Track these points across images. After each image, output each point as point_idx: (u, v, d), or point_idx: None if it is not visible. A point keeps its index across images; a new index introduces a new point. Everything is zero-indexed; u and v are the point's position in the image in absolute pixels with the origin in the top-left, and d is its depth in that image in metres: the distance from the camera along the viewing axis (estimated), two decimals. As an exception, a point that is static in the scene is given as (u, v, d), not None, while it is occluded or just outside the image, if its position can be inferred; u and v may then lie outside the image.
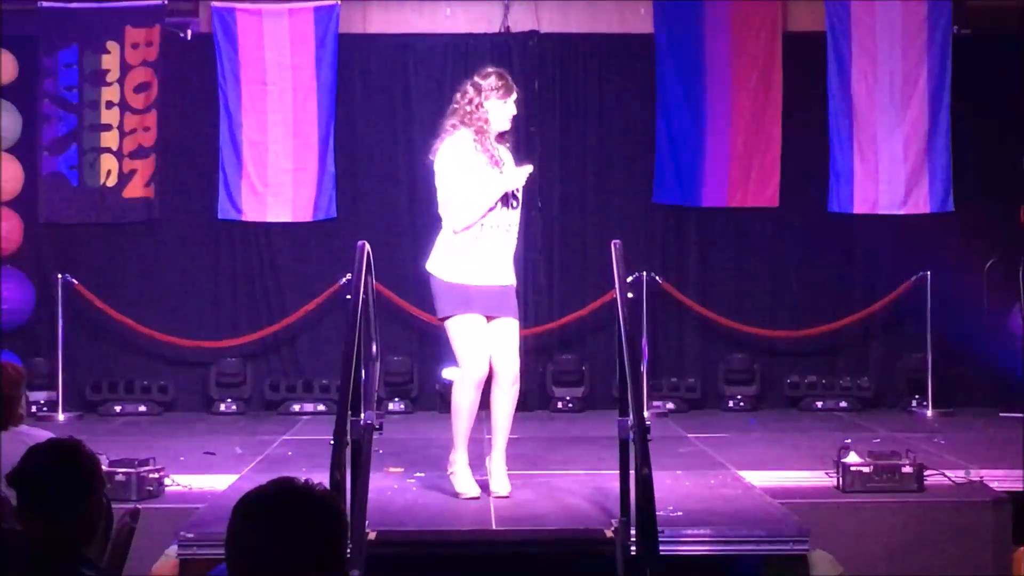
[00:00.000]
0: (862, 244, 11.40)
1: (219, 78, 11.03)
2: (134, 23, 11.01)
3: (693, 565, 6.05)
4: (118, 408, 10.89)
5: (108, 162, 11.04)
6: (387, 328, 10.08)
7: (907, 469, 7.09)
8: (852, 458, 7.18)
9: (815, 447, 8.52)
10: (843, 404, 10.99)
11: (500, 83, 6.84)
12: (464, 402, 6.86)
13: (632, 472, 5.65)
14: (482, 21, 11.35)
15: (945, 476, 7.32)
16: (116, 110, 11.03)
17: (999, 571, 6.72)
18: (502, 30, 11.32)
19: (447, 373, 7.05)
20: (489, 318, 6.85)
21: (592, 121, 11.43)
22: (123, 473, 6.89)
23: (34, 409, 10.40)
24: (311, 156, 11.08)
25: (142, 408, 10.91)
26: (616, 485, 6.13)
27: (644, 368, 10.34)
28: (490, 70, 6.98)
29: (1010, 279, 10.50)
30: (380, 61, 11.42)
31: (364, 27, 11.39)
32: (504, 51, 10.96)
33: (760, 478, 7.51)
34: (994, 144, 11.07)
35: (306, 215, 11.14)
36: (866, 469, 7.10)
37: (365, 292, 6.36)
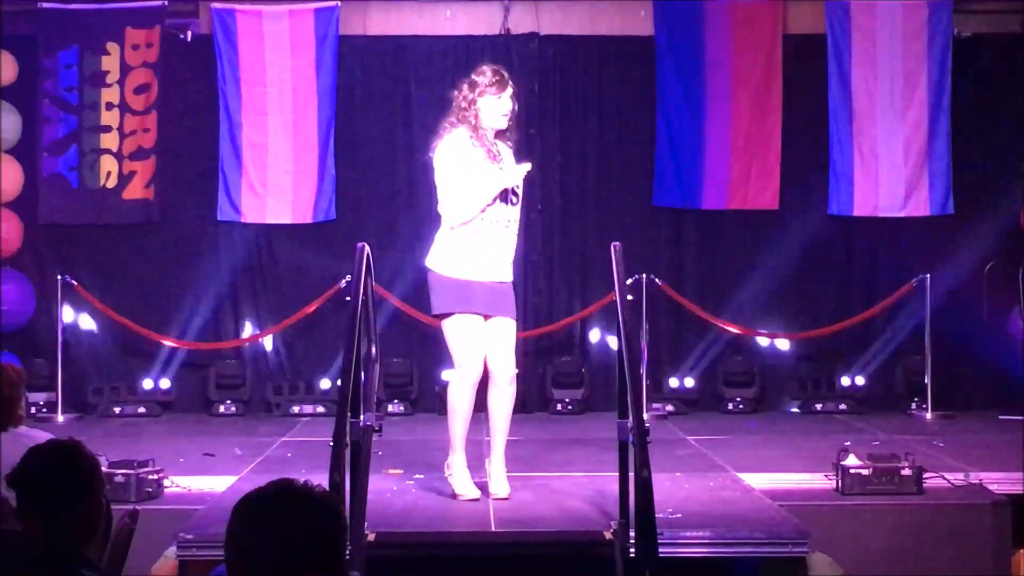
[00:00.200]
0: (862, 247, 11.40)
1: (219, 79, 11.03)
2: (134, 24, 11.02)
3: (692, 567, 6.05)
4: (117, 409, 10.89)
5: (108, 163, 11.04)
6: (387, 330, 10.09)
7: (906, 472, 7.09)
8: (851, 460, 7.18)
9: (814, 449, 8.51)
10: (842, 406, 10.99)
11: (494, 79, 6.86)
12: (459, 402, 6.86)
13: (631, 474, 5.65)
14: (482, 23, 11.35)
15: (944, 479, 7.32)
16: (116, 111, 11.04)
17: (998, 574, 6.72)
18: (502, 32, 11.32)
19: (447, 375, 7.05)
20: (486, 317, 6.85)
21: (592, 123, 11.43)
22: (122, 474, 6.88)
23: (33, 410, 10.40)
24: (311, 158, 11.08)
25: (141, 409, 10.91)
26: (615, 487, 6.13)
27: (643, 370, 10.34)
28: (486, 67, 7.01)
29: (1010, 282, 10.50)
30: (380, 63, 11.42)
31: (364, 29, 11.40)
32: (504, 53, 10.96)
33: (759, 480, 7.51)
34: (994, 147, 11.08)
35: (306, 217, 11.15)
36: (865, 472, 7.10)
37: (365, 294, 6.36)
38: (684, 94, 11.16)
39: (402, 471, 7.77)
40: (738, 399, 11.13)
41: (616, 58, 11.44)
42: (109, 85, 11.04)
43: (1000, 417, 10.36)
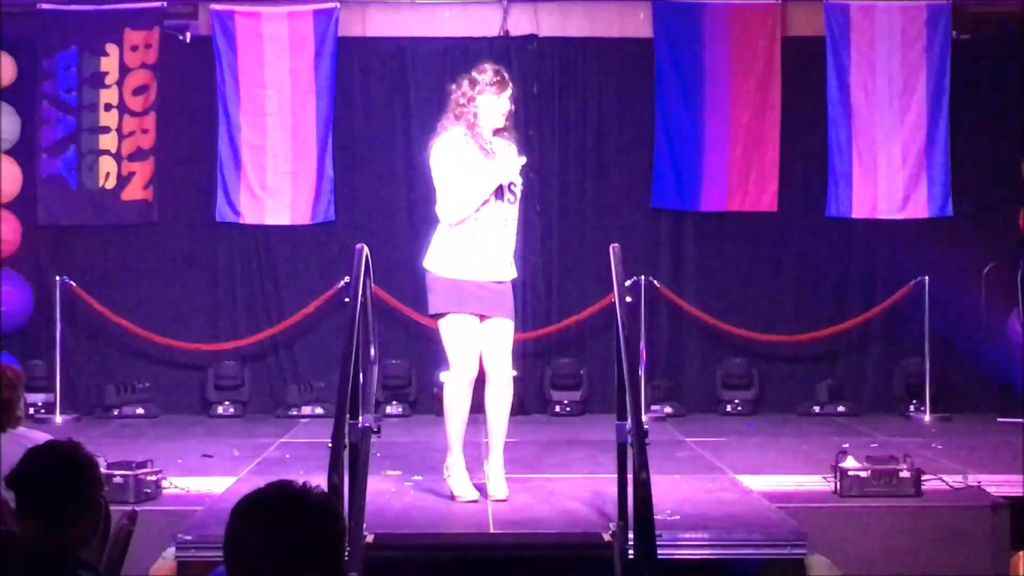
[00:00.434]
0: (860, 249, 11.40)
1: (218, 81, 11.03)
2: (133, 26, 11.02)
3: (691, 569, 6.04)
4: (116, 410, 10.88)
5: (107, 164, 11.04)
6: (385, 331, 10.08)
7: (905, 474, 7.08)
8: (850, 463, 7.18)
9: (813, 451, 8.52)
10: (841, 409, 10.99)
11: (496, 78, 6.86)
12: (455, 403, 6.86)
13: (630, 476, 5.65)
14: (481, 25, 11.35)
15: (943, 481, 7.32)
16: (115, 112, 11.03)
17: (996, 576, 6.73)
18: (501, 34, 11.32)
19: (443, 376, 7.04)
20: (482, 318, 6.85)
21: (591, 125, 11.44)
22: (121, 475, 6.88)
23: (32, 411, 10.39)
24: (309, 159, 11.08)
25: (140, 410, 10.90)
26: (614, 489, 6.13)
27: (642, 372, 10.35)
28: (487, 65, 7.01)
29: (1008, 284, 10.51)
30: (379, 64, 11.42)
31: (363, 30, 11.40)
32: (503, 55, 10.95)
33: (758, 482, 7.51)
34: (993, 149, 11.09)
35: (304, 218, 11.15)
36: (864, 474, 7.10)
37: (363, 295, 6.36)
38: (683, 96, 11.17)
39: (400, 472, 7.77)
40: (736, 401, 11.14)
41: (615, 60, 11.45)
42: (108, 86, 11.04)
43: (999, 419, 10.37)
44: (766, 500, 6.97)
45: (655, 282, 10.99)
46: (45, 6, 10.92)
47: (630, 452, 5.65)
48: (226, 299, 11.39)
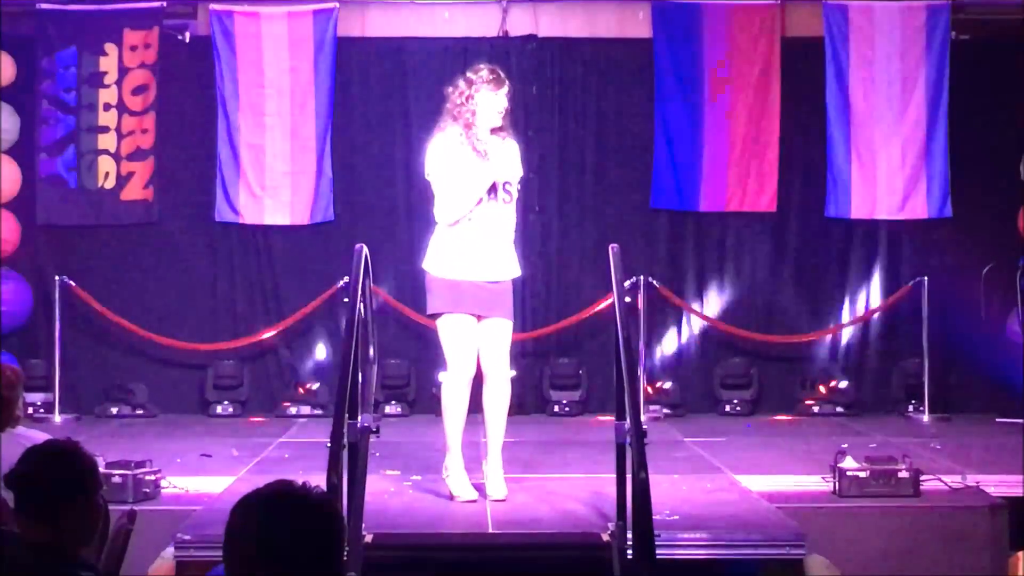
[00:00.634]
0: (860, 249, 11.40)
1: (217, 81, 11.03)
2: (132, 25, 11.02)
3: (690, 569, 6.05)
4: (115, 410, 10.88)
5: (106, 164, 11.04)
6: (384, 331, 10.09)
7: (904, 474, 7.09)
8: (849, 463, 7.18)
9: (812, 452, 8.53)
10: (840, 409, 10.99)
11: (492, 76, 6.87)
12: (452, 403, 6.87)
13: (629, 476, 5.65)
14: (480, 25, 11.35)
15: (942, 481, 7.32)
16: (114, 112, 11.03)
17: (995, 576, 6.73)
18: (500, 34, 11.32)
19: (441, 376, 7.05)
20: (479, 318, 6.86)
21: (590, 125, 11.44)
22: (120, 475, 6.88)
23: (31, 411, 10.39)
24: (309, 159, 11.08)
25: (139, 410, 10.91)
26: (613, 489, 6.13)
27: (641, 372, 10.35)
28: (482, 64, 7.04)
29: (1007, 284, 10.51)
30: (378, 64, 11.42)
31: (363, 30, 11.39)
32: (502, 55, 10.95)
33: (757, 482, 7.51)
34: (992, 150, 11.08)
35: (303, 218, 11.15)
36: (863, 474, 7.10)
37: (363, 295, 6.36)
38: (682, 96, 11.17)
39: (399, 472, 7.77)
40: (735, 401, 11.13)
41: (614, 60, 11.44)
42: (107, 86, 11.04)
43: (997, 420, 10.37)
44: (765, 500, 6.97)
45: (654, 282, 10.98)
46: (44, 6, 10.92)
47: (629, 452, 5.65)
48: (225, 299, 11.39)
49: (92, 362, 11.24)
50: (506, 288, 6.94)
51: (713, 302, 11.35)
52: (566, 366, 11.26)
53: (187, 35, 11.18)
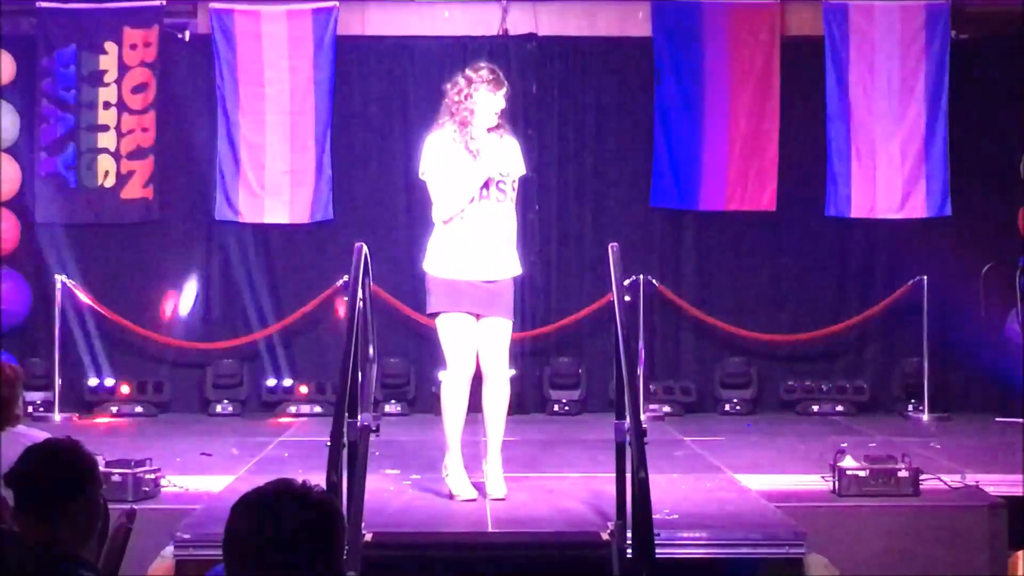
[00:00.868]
0: (859, 248, 11.41)
1: (217, 79, 11.03)
2: (132, 24, 11.02)
3: (689, 568, 6.05)
4: (114, 408, 10.88)
5: (105, 163, 11.04)
6: (384, 330, 10.08)
7: (903, 473, 7.09)
8: (848, 462, 7.18)
9: (811, 451, 8.52)
10: (839, 408, 10.99)
11: (491, 76, 6.88)
12: (451, 402, 6.87)
13: (628, 475, 5.65)
14: (480, 24, 11.35)
15: (941, 480, 7.32)
16: (113, 111, 11.03)
17: (995, 576, 6.73)
18: (500, 33, 11.32)
19: (440, 375, 7.06)
20: (478, 317, 6.86)
21: (590, 124, 11.44)
22: (119, 474, 6.88)
23: (31, 409, 10.39)
24: (308, 158, 11.08)
25: (138, 409, 10.91)
26: (612, 488, 6.13)
27: (641, 371, 10.35)
28: (482, 64, 7.04)
29: (1007, 283, 10.50)
30: (378, 63, 11.42)
31: (363, 29, 11.40)
32: (502, 54, 10.96)
33: (756, 482, 7.51)
34: (992, 148, 11.08)
35: (303, 217, 11.14)
36: (862, 473, 7.10)
37: (363, 294, 6.37)
38: (682, 95, 11.17)
39: (399, 471, 7.77)
40: (735, 400, 11.14)
41: (614, 59, 11.45)
42: (107, 84, 11.04)
43: (997, 419, 10.37)
44: (764, 499, 6.97)
45: (654, 281, 10.99)
46: (44, 4, 10.93)
47: (629, 451, 5.66)
48: (225, 297, 11.39)
49: (92, 360, 11.22)
50: (505, 287, 6.94)
51: (713, 301, 11.35)
52: (566, 365, 11.26)
53: (187, 34, 11.19)
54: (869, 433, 9.72)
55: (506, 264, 6.92)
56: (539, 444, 9.06)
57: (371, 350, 7.02)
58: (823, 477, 7.38)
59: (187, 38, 11.18)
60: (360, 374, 6.29)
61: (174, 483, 7.31)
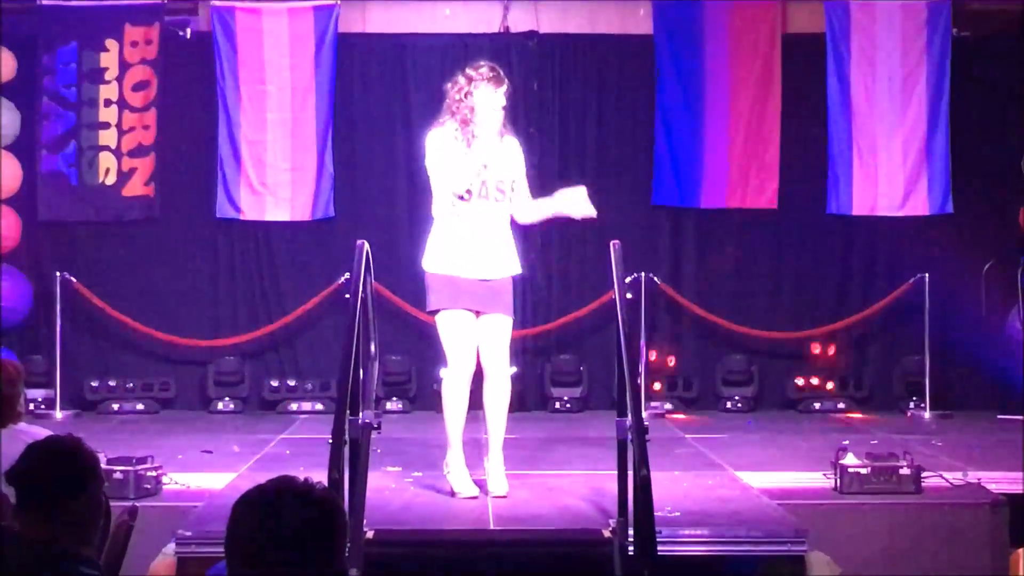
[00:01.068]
0: (861, 246, 11.41)
1: (218, 77, 11.03)
2: (133, 21, 11.02)
3: (691, 566, 6.04)
4: (116, 406, 10.89)
5: (107, 160, 11.04)
6: (385, 327, 10.07)
7: (905, 471, 7.09)
8: (850, 460, 7.18)
9: (813, 448, 8.52)
10: (841, 406, 11.00)
11: (491, 73, 6.88)
12: (452, 399, 6.88)
13: (630, 472, 5.65)
14: (481, 21, 11.35)
15: (943, 478, 7.32)
16: (114, 108, 11.04)
17: (996, 573, 6.72)
18: (501, 30, 11.32)
19: (441, 372, 7.06)
20: (478, 314, 6.86)
21: (591, 122, 11.44)
22: (121, 471, 6.88)
23: (32, 407, 10.39)
24: (309, 155, 11.08)
25: (140, 406, 10.91)
26: (614, 485, 6.13)
27: (642, 369, 10.35)
28: (482, 62, 7.05)
29: (1008, 281, 10.51)
30: (379, 61, 11.42)
31: (364, 27, 11.40)
32: (503, 51, 10.95)
33: (758, 479, 7.51)
34: (993, 146, 11.08)
35: (304, 214, 11.15)
36: (864, 471, 7.10)
37: (364, 291, 6.36)
38: (683, 93, 11.17)
39: (401, 469, 7.77)
40: (736, 398, 11.14)
41: (615, 57, 11.44)
42: (108, 82, 11.04)
43: (998, 417, 10.37)
44: (766, 497, 6.97)
45: (655, 279, 10.98)
46: (46, 2, 10.93)
47: (630, 449, 5.66)
48: (226, 295, 11.40)
49: (93, 358, 11.24)
50: (504, 285, 6.94)
51: (714, 299, 11.34)
52: (567, 363, 11.26)
53: (188, 31, 11.19)
54: (870, 431, 9.73)
55: (505, 263, 6.93)
56: (540, 441, 9.07)
57: (372, 347, 7.01)
58: (825, 475, 7.38)
59: (188, 35, 11.18)
60: (361, 371, 6.28)
61: (176, 480, 7.31)
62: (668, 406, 10.89)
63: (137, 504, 5.54)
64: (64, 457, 3.54)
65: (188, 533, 6.08)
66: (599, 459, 7.78)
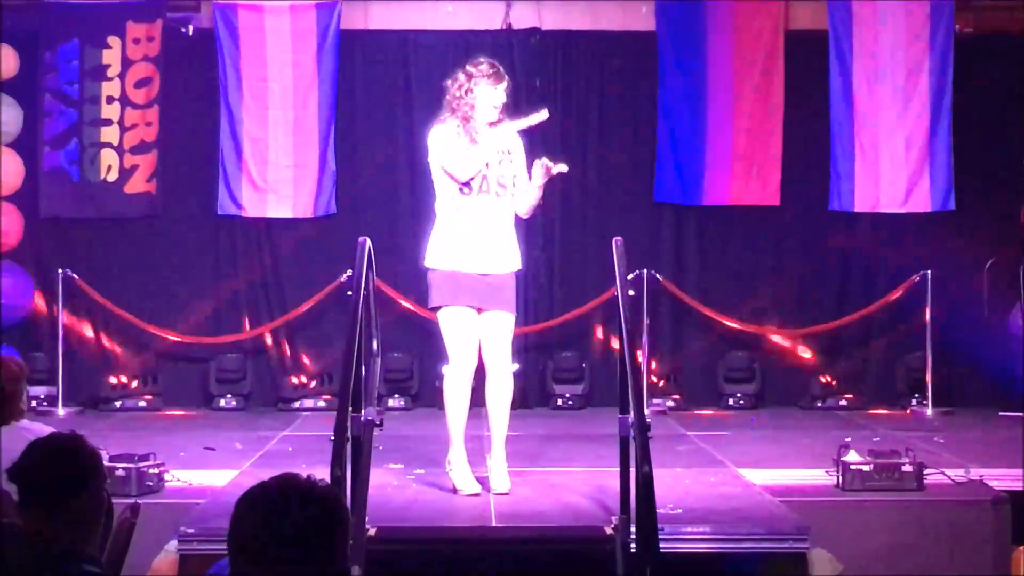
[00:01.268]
0: (863, 243, 11.40)
1: (220, 74, 11.02)
2: (136, 18, 11.02)
3: (693, 563, 6.05)
4: (118, 403, 10.89)
5: (108, 157, 11.04)
6: (387, 324, 10.08)
7: (907, 468, 7.08)
8: (852, 456, 7.18)
9: (815, 445, 8.52)
10: (843, 403, 10.99)
11: (491, 70, 6.90)
12: (453, 395, 6.88)
13: (632, 469, 5.65)
14: (484, 18, 11.34)
15: (945, 475, 7.31)
16: (116, 105, 11.04)
17: (998, 570, 6.72)
18: (503, 27, 11.31)
19: (443, 369, 7.06)
20: (480, 310, 6.86)
21: (593, 119, 11.43)
22: (123, 468, 6.88)
23: (34, 404, 10.39)
24: (312, 152, 11.08)
25: (142, 403, 10.91)
26: (616, 482, 6.13)
27: (644, 365, 10.34)
28: (482, 58, 7.06)
29: (1011, 278, 10.50)
30: (381, 58, 11.42)
31: (366, 24, 11.39)
32: (505, 48, 10.94)
33: (760, 476, 7.51)
34: (995, 143, 11.07)
35: (307, 211, 11.15)
36: (866, 468, 7.10)
37: (366, 288, 6.37)
38: (685, 90, 11.16)
39: (403, 466, 7.78)
40: (739, 395, 11.13)
41: (618, 53, 11.43)
42: (110, 79, 11.04)
43: (1000, 414, 10.35)
44: (768, 494, 6.97)
45: (657, 276, 10.98)
46: (47, -1, 10.94)
47: (632, 446, 5.65)
48: (228, 292, 11.40)
49: (95, 355, 11.24)
50: (506, 281, 6.94)
51: (716, 295, 11.34)
52: (569, 360, 11.26)
53: (190, 28, 11.18)
54: (873, 427, 9.73)
55: (507, 258, 6.94)
56: (543, 439, 9.07)
57: (374, 345, 7.02)
58: (827, 472, 7.37)
59: (190, 32, 11.18)
60: (363, 369, 6.29)
61: (178, 477, 7.32)
62: (670, 403, 10.88)
63: (139, 501, 5.54)
64: (66, 454, 3.54)
65: (190, 530, 6.08)
66: (601, 456, 7.78)
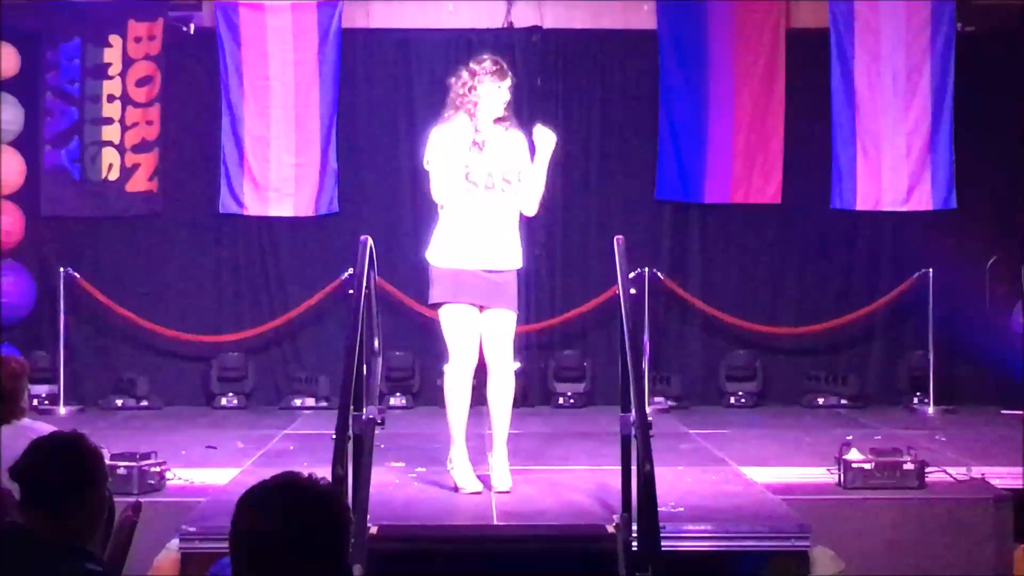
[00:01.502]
0: (864, 241, 11.40)
1: (221, 73, 11.03)
2: (137, 17, 11.02)
3: (695, 561, 6.05)
4: (119, 402, 10.90)
5: (110, 156, 11.05)
6: (389, 323, 10.07)
7: (909, 466, 7.08)
8: (854, 455, 7.18)
9: (817, 444, 8.52)
10: (844, 401, 10.99)
11: (495, 67, 6.89)
12: (454, 393, 6.88)
13: (634, 468, 5.65)
14: (485, 16, 11.34)
15: (946, 473, 7.32)
16: (117, 104, 11.04)
17: (1000, 569, 6.72)
18: (505, 25, 11.31)
19: (445, 367, 7.06)
20: (481, 308, 6.86)
21: (595, 117, 11.44)
22: (125, 467, 6.88)
23: (35, 403, 10.39)
24: (313, 151, 11.08)
25: (144, 402, 10.92)
26: (618, 481, 6.13)
27: (646, 364, 10.34)
28: (485, 56, 7.07)
29: (1012, 277, 10.50)
30: (383, 56, 11.42)
31: (367, 22, 11.39)
32: (507, 47, 10.94)
33: (762, 474, 7.51)
34: (997, 141, 11.06)
35: (308, 210, 11.15)
36: (868, 466, 7.10)
37: (367, 287, 6.36)
38: (687, 88, 11.16)
39: (404, 464, 7.77)
40: (740, 393, 11.13)
41: (619, 52, 11.43)
42: (111, 77, 11.04)
43: (1002, 412, 10.36)
44: (770, 492, 6.97)
45: (659, 274, 10.98)
46: (49, -3, 10.94)
47: (634, 444, 5.65)
48: (230, 291, 11.40)
49: (96, 354, 11.25)
50: (508, 278, 6.94)
51: (718, 294, 11.34)
52: (571, 358, 11.26)
53: (192, 27, 11.18)
54: (874, 426, 9.73)
55: (509, 255, 6.93)
56: (544, 437, 9.07)
57: (376, 343, 7.01)
58: (828, 470, 7.38)
59: (192, 31, 11.18)
60: (365, 367, 6.28)
61: (179, 476, 7.32)
62: (672, 401, 10.88)
63: (141, 500, 5.54)
64: (68, 453, 3.54)
65: (192, 529, 6.09)
66: (603, 454, 7.78)
